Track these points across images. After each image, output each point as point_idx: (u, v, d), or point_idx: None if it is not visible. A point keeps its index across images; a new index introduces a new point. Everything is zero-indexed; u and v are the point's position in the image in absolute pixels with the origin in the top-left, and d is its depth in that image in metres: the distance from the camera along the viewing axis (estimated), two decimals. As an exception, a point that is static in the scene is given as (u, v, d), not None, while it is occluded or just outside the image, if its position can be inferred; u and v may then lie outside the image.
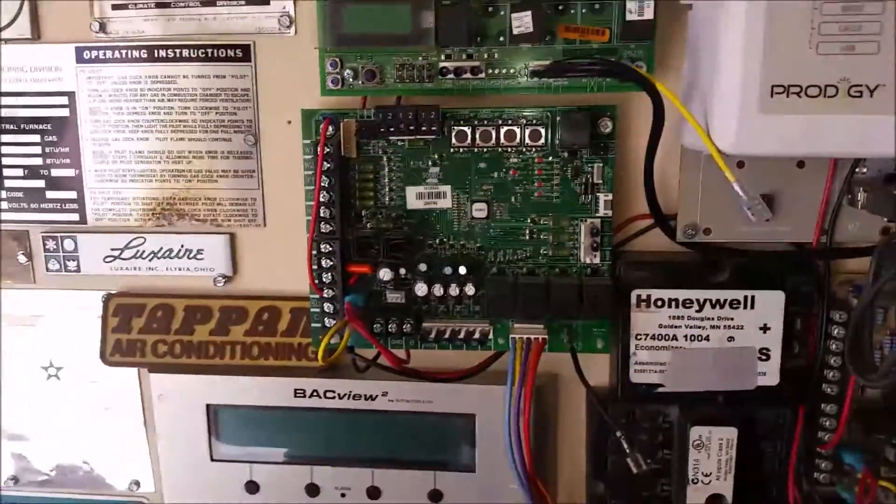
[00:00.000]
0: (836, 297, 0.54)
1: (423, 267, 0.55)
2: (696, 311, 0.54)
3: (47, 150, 0.62)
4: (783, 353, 0.54)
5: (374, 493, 0.62)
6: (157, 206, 0.61)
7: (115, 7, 0.58)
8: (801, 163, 0.52)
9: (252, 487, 0.63)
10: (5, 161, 0.62)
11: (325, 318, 0.57)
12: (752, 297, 0.53)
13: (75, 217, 0.62)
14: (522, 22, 0.50)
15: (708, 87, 0.45)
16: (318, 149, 0.53)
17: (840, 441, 0.55)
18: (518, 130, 0.53)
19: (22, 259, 0.64)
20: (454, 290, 0.55)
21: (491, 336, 0.56)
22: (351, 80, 0.53)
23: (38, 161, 0.62)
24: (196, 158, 0.60)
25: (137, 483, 0.68)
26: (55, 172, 0.62)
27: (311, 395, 0.61)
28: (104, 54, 0.59)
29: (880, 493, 0.54)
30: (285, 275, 0.61)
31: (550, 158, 0.54)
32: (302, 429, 0.62)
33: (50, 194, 0.62)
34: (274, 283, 0.62)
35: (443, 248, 0.56)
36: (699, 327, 0.54)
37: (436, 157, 0.55)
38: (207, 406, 0.62)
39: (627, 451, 0.54)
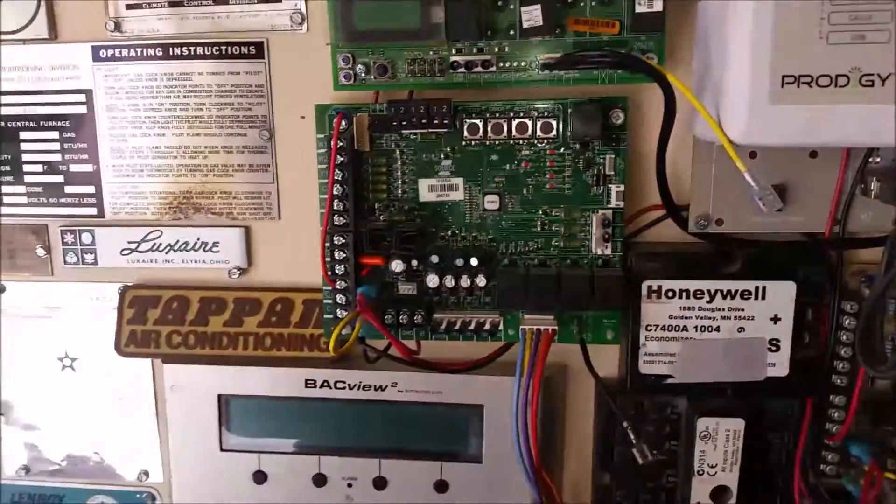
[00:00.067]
0: (848, 288, 0.54)
1: (434, 259, 0.55)
2: (707, 302, 0.54)
3: (66, 146, 0.63)
4: (793, 343, 0.54)
5: (380, 483, 0.63)
6: (173, 200, 0.62)
7: (129, 6, 0.59)
8: (814, 153, 0.52)
9: (260, 477, 0.64)
10: (25, 157, 0.63)
11: (338, 310, 0.57)
12: (764, 288, 0.53)
13: (93, 211, 0.63)
14: (532, 15, 0.50)
15: (718, 77, 0.45)
16: (332, 143, 0.53)
17: (848, 433, 0.55)
18: (530, 123, 0.54)
19: (41, 252, 0.65)
20: (465, 282, 0.55)
21: (501, 327, 0.57)
22: (363, 75, 0.54)
23: (57, 157, 0.63)
24: (212, 153, 0.61)
25: (147, 473, 0.68)
26: (73, 168, 0.63)
27: (321, 386, 0.61)
28: (120, 53, 0.60)
29: (886, 485, 0.54)
30: (299, 267, 0.61)
31: (562, 150, 0.54)
32: (311, 419, 0.63)
33: (68, 189, 0.63)
34: (288, 275, 0.62)
35: (455, 239, 0.56)
36: (710, 318, 0.54)
37: (448, 150, 0.55)
38: (219, 396, 0.63)
39: (634, 441, 0.54)
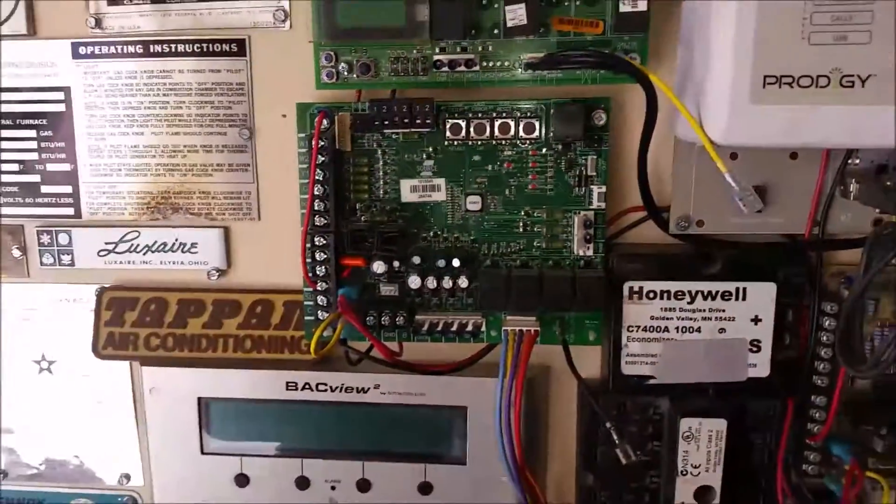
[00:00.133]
0: (828, 289, 0.54)
1: (416, 260, 0.55)
2: (688, 303, 0.54)
3: (43, 144, 0.62)
4: (774, 344, 0.54)
5: (363, 485, 0.62)
6: (151, 200, 0.61)
7: (110, 2, 0.58)
8: (794, 154, 0.52)
9: (242, 480, 0.63)
10: (0, 156, 0.62)
11: (319, 311, 0.57)
12: (744, 289, 0.53)
13: (70, 211, 0.63)
14: (516, 14, 0.50)
15: (700, 78, 0.45)
16: (313, 142, 0.53)
17: (829, 433, 0.55)
18: (512, 123, 0.53)
19: (16, 253, 0.64)
20: (447, 283, 0.55)
21: (483, 328, 0.56)
22: (346, 73, 0.54)
23: (34, 156, 0.62)
24: (191, 152, 0.60)
25: (128, 476, 0.67)
26: (50, 167, 0.62)
27: (303, 388, 0.61)
28: (100, 49, 0.59)
29: (867, 485, 0.54)
30: (279, 268, 0.61)
31: (544, 151, 0.54)
32: (293, 422, 0.62)
33: (45, 189, 0.62)
34: (268, 277, 0.62)
35: (437, 240, 0.56)
36: (691, 319, 0.54)
37: (430, 150, 0.55)
38: (199, 399, 0.62)
39: (617, 441, 0.55)
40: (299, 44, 0.56)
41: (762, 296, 0.54)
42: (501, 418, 0.53)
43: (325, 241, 0.55)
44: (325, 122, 0.54)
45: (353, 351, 0.58)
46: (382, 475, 0.62)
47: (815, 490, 0.57)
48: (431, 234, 0.56)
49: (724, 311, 0.54)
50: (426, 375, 0.58)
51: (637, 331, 0.55)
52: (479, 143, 0.54)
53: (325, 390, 0.60)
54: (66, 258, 0.63)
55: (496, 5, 0.51)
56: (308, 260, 0.55)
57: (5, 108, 0.61)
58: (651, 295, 0.54)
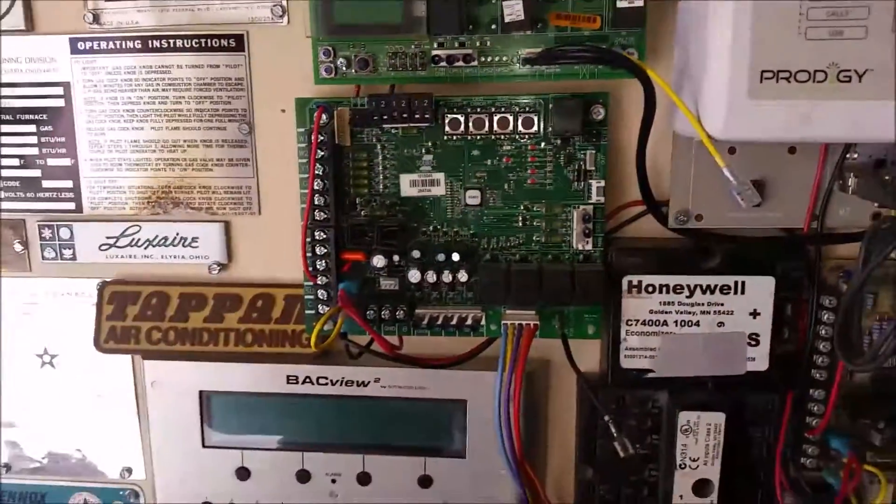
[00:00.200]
0: (827, 283, 0.55)
1: (416, 254, 0.55)
2: (687, 297, 0.54)
3: (43, 139, 0.62)
4: (773, 338, 0.54)
5: (364, 478, 0.62)
6: (152, 195, 0.62)
7: (108, -2, 0.59)
8: (793, 149, 0.52)
9: (243, 474, 0.64)
10: (1, 151, 0.62)
11: (319, 305, 0.57)
12: (743, 283, 0.54)
13: (71, 206, 0.63)
14: (514, 10, 0.50)
15: (698, 73, 0.45)
16: (312, 137, 0.53)
17: (827, 426, 0.55)
18: (511, 118, 0.54)
19: (18, 248, 0.64)
20: (447, 277, 0.55)
21: (483, 322, 0.57)
22: (344, 68, 0.54)
23: (34, 151, 0.62)
24: (191, 147, 0.60)
25: (129, 470, 0.68)
26: (51, 162, 0.62)
27: (303, 382, 0.61)
28: (98, 45, 0.59)
29: (865, 478, 0.55)
30: (279, 262, 0.61)
31: (543, 145, 0.54)
32: (294, 415, 0.63)
33: (46, 183, 0.63)
34: (268, 271, 0.62)
35: (436, 235, 0.56)
36: (689, 313, 0.54)
37: (429, 144, 0.55)
38: (200, 393, 0.62)
39: (615, 435, 0.55)
40: (297, 39, 0.56)
41: (761, 290, 0.54)
42: (501, 412, 0.53)
43: (325, 236, 0.55)
44: (324, 116, 0.54)
45: (354, 345, 0.58)
46: (383, 468, 0.62)
47: (813, 483, 0.57)
48: (431, 228, 0.56)
49: (722, 304, 0.54)
50: (426, 369, 0.58)
51: (636, 324, 0.55)
52: (478, 137, 0.54)
53: (326, 384, 0.61)
54: (67, 252, 0.63)
55: (493, 1, 0.51)
56: (308, 254, 0.55)
57: (5, 103, 0.61)
58: (650, 289, 0.54)
